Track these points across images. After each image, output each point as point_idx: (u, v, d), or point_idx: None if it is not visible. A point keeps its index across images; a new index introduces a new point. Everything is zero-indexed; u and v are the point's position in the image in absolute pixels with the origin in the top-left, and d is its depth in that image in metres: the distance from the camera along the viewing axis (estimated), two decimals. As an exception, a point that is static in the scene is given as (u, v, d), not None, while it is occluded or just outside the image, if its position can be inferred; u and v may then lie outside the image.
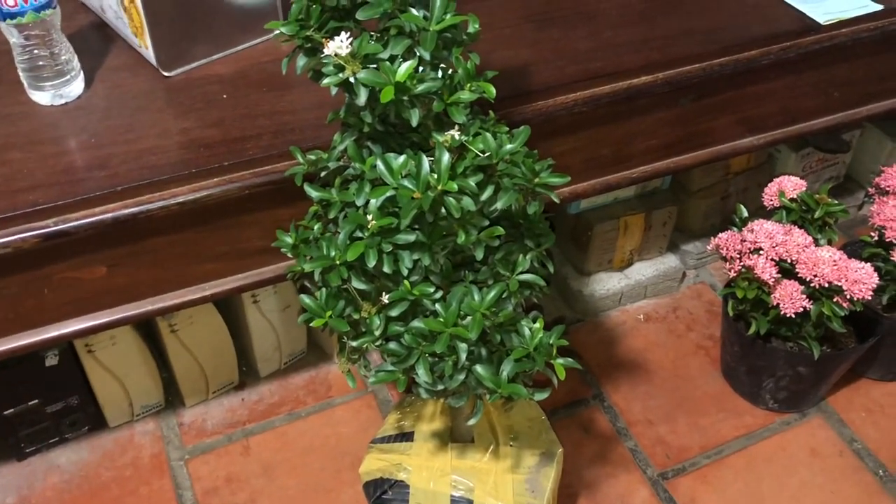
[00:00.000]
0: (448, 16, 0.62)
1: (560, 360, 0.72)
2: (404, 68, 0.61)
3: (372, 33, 0.64)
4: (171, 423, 1.12)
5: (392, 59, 0.62)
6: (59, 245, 0.77)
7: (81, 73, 0.89)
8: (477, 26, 0.67)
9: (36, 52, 0.84)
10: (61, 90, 0.87)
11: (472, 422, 0.75)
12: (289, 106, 0.87)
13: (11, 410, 1.01)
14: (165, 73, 0.91)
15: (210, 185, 0.79)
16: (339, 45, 0.61)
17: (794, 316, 0.98)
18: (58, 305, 0.82)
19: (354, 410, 1.14)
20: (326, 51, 0.61)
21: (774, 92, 1.04)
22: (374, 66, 0.62)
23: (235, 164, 0.80)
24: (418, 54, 0.63)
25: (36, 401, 1.02)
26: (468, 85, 0.65)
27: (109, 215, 0.77)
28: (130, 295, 0.85)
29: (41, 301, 0.81)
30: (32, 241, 0.75)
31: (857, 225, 1.43)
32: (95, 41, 0.96)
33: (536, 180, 0.67)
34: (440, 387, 0.73)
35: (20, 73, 0.86)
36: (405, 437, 0.95)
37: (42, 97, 0.87)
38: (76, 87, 0.88)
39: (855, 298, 0.97)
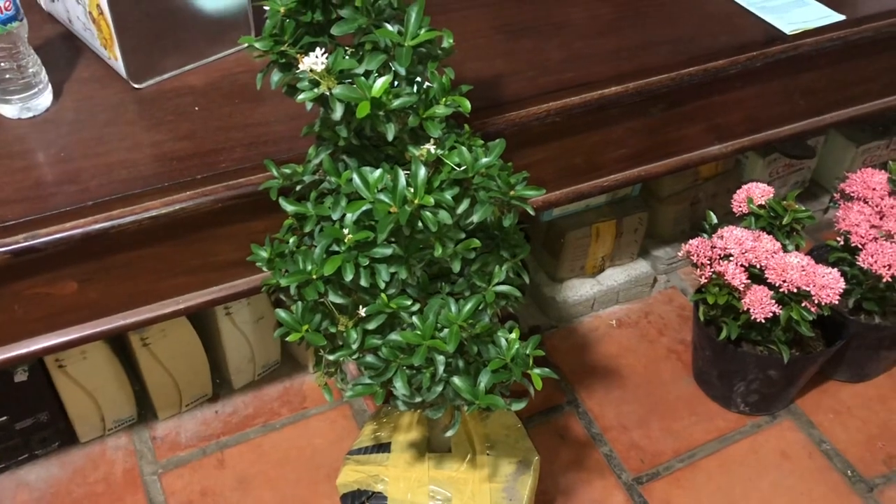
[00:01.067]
0: (423, 31, 0.63)
1: (537, 371, 0.73)
2: (380, 84, 0.61)
3: (347, 48, 0.64)
4: (144, 437, 1.11)
5: (367, 74, 0.62)
6: (28, 261, 0.76)
7: (49, 85, 0.87)
8: (451, 41, 0.67)
9: (2, 65, 0.82)
10: (29, 103, 0.85)
11: (449, 433, 0.76)
12: (262, 118, 0.87)
13: (-21, 428, 1.00)
14: (136, 85, 0.90)
15: (182, 198, 0.79)
16: (315, 61, 0.60)
17: (763, 321, 1.00)
18: (28, 321, 0.81)
19: (330, 421, 1.14)
20: (301, 66, 0.61)
21: (742, 100, 1.06)
22: (350, 81, 0.62)
23: (208, 178, 0.80)
24: (393, 69, 0.63)
25: (4, 417, 1.01)
26: (443, 99, 0.65)
27: (80, 230, 0.76)
28: (102, 310, 0.84)
29: (11, 317, 0.80)
30: (1, 258, 0.74)
31: (822, 229, 1.45)
32: (63, 53, 0.95)
33: (512, 193, 0.67)
34: (418, 399, 0.73)
35: (-14, 86, 0.85)
36: (382, 448, 0.95)
37: (9, 110, 0.85)
38: (44, 99, 0.87)
39: (823, 303, 0.99)
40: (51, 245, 0.75)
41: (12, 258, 0.74)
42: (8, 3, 0.79)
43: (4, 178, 0.79)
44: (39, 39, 0.95)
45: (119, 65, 0.89)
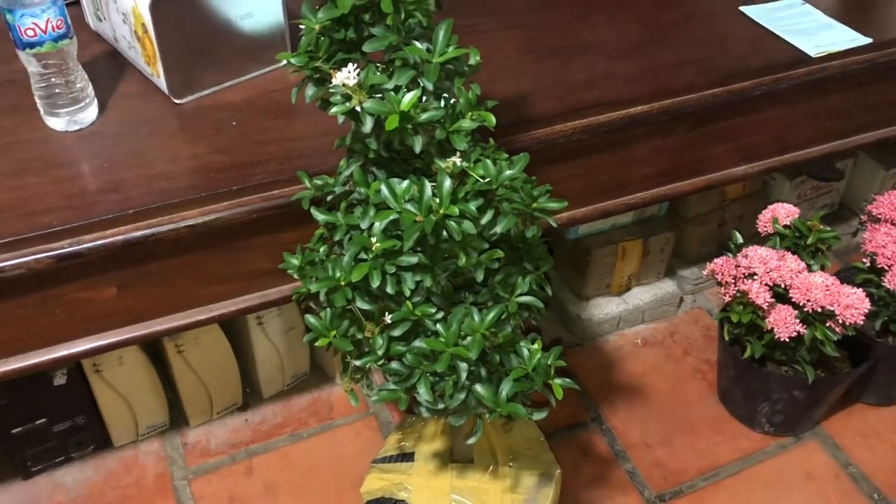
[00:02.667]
0: (450, 49, 0.65)
1: (558, 381, 0.74)
2: (408, 98, 0.64)
3: (378, 64, 0.67)
4: (176, 443, 1.14)
5: (397, 89, 0.65)
6: (71, 266, 0.79)
7: (95, 100, 0.92)
8: (478, 59, 0.70)
9: (53, 80, 0.87)
10: (76, 116, 0.89)
11: (471, 440, 0.77)
12: (296, 133, 0.90)
13: (19, 429, 1.03)
14: (177, 101, 0.94)
15: (219, 208, 0.82)
16: (347, 76, 0.63)
17: (788, 340, 1.00)
18: (68, 325, 0.84)
19: (356, 432, 1.16)
20: (334, 81, 0.64)
21: (768, 121, 1.07)
22: (380, 95, 0.65)
23: (244, 189, 0.83)
24: (422, 85, 0.66)
25: (43, 420, 1.04)
26: (469, 114, 0.67)
27: (121, 237, 0.79)
28: (139, 315, 0.87)
29: (53, 320, 0.83)
30: (46, 262, 0.77)
31: (852, 252, 1.45)
32: (109, 69, 0.99)
33: (535, 205, 0.69)
34: (441, 406, 0.75)
35: (36, 100, 0.89)
36: (406, 457, 0.97)
37: (57, 123, 0.89)
38: (90, 113, 0.91)
39: (847, 323, 0.99)
40: (93, 251, 0.78)
41: (57, 263, 0.77)
42: (60, 22, 0.83)
43: (51, 186, 0.83)
44: (87, 57, 1.00)
45: (161, 81, 0.93)
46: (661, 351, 1.29)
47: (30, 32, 0.82)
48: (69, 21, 0.85)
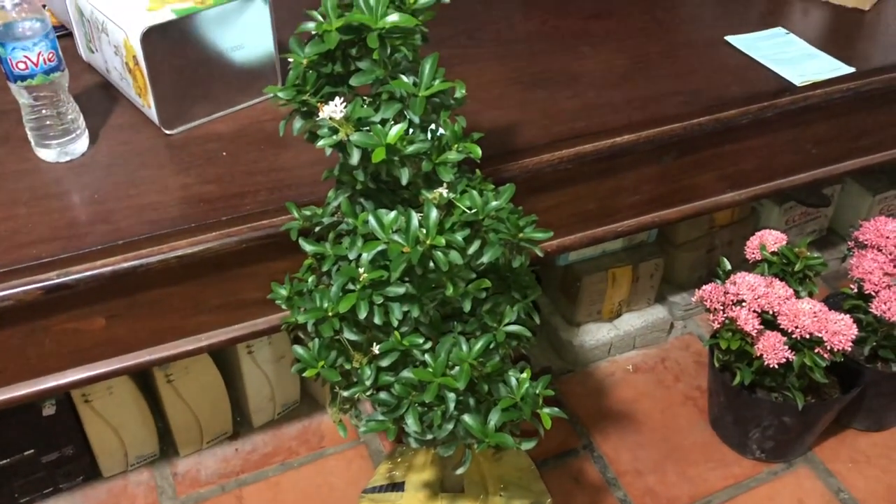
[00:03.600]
0: (436, 82, 0.66)
1: (546, 410, 0.74)
2: (395, 131, 0.64)
3: (365, 98, 0.68)
4: (165, 473, 1.13)
5: (384, 122, 0.66)
6: (60, 297, 0.79)
7: (86, 131, 0.92)
8: (463, 92, 0.71)
9: (44, 111, 0.87)
10: (67, 148, 0.90)
11: (460, 471, 0.77)
12: (285, 163, 0.91)
13: (6, 461, 1.02)
14: (167, 132, 0.94)
15: (208, 238, 0.82)
16: (334, 110, 0.64)
17: (777, 367, 1.01)
18: (57, 356, 0.84)
19: (347, 460, 1.15)
20: (322, 114, 0.65)
21: (754, 149, 1.08)
22: (367, 128, 0.65)
23: (233, 219, 0.83)
24: (408, 117, 0.67)
25: (31, 451, 1.03)
26: (455, 146, 0.68)
27: (110, 268, 0.79)
28: (128, 345, 0.87)
29: (41, 351, 0.83)
30: (35, 294, 0.77)
31: (840, 277, 1.46)
32: (101, 100, 1.00)
33: (521, 235, 0.70)
34: (429, 436, 0.75)
35: (27, 132, 0.90)
36: (396, 486, 0.97)
37: (48, 154, 0.90)
38: (81, 144, 0.91)
39: (835, 349, 0.99)
40: (82, 282, 0.79)
41: (45, 294, 0.78)
42: (51, 55, 0.84)
43: (41, 217, 0.83)
44: (79, 87, 1.00)
45: (152, 112, 0.93)
46: (653, 377, 1.29)
47: (21, 65, 0.83)
48: (61, 54, 0.86)
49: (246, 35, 0.95)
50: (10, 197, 0.86)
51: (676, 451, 1.18)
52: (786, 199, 1.39)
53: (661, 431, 1.21)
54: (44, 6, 1.05)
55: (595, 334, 1.30)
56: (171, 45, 0.90)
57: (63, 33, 1.06)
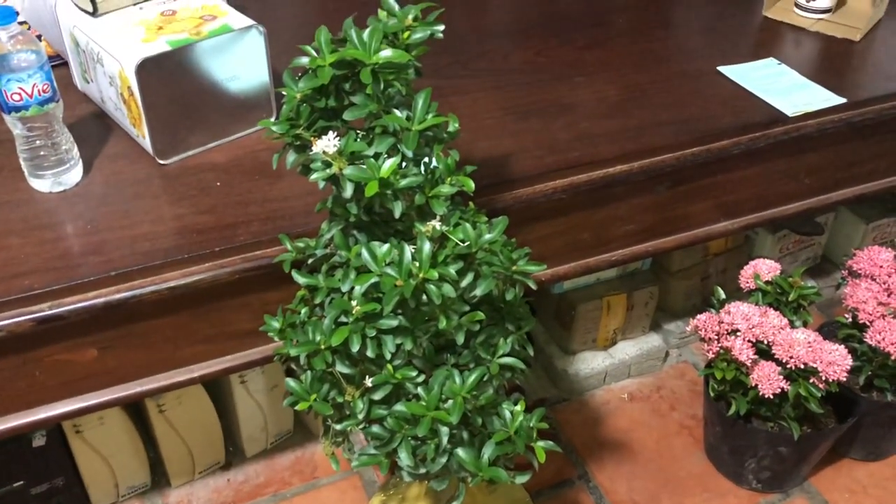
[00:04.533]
0: (430, 116, 0.66)
1: (541, 444, 0.74)
2: (388, 165, 0.65)
3: (358, 132, 0.68)
4: (156, 505, 1.12)
5: (377, 156, 0.66)
6: (52, 329, 0.79)
7: (80, 161, 0.92)
8: (457, 125, 0.71)
9: (38, 142, 0.87)
10: (60, 178, 0.90)
11: (454, 504, 0.77)
12: (279, 194, 0.91)
13: (-4, 492, 1.01)
14: (161, 162, 0.95)
15: (201, 269, 0.82)
16: (327, 144, 0.64)
17: (772, 397, 1.00)
18: (49, 387, 0.84)
19: (340, 491, 1.14)
20: (315, 148, 0.65)
21: (747, 179, 1.08)
22: (360, 162, 0.66)
23: (226, 250, 0.83)
24: (401, 151, 0.67)
25: (21, 482, 1.02)
26: (448, 179, 0.68)
27: (102, 300, 0.79)
28: (120, 377, 0.86)
29: (32, 383, 0.83)
30: (27, 325, 0.77)
31: (835, 305, 1.46)
32: (95, 130, 1.00)
33: (514, 268, 0.70)
34: (423, 470, 0.74)
35: (21, 162, 0.90)
36: (389, 519, 0.96)
37: (42, 185, 0.90)
38: (75, 174, 0.91)
39: (830, 380, 0.99)
40: (73, 313, 0.78)
41: (36, 326, 0.77)
42: (46, 86, 0.85)
43: (33, 248, 0.83)
44: (74, 117, 1.01)
45: (146, 142, 0.93)
46: (648, 406, 1.29)
47: (15, 97, 0.83)
48: (55, 85, 0.86)
49: (241, 66, 0.95)
50: (2, 227, 0.85)
51: (672, 481, 1.17)
52: (779, 228, 1.39)
53: (657, 461, 1.20)
54: (39, 36, 1.06)
55: (590, 363, 1.30)
56: (166, 76, 0.90)
57: (58, 62, 1.06)
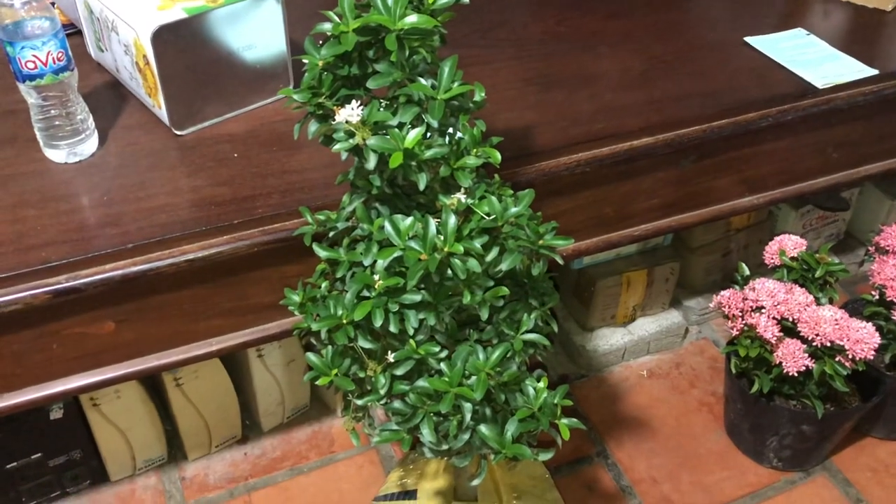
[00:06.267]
0: (455, 85, 0.64)
1: (564, 421, 0.72)
2: (413, 135, 0.63)
3: (382, 101, 0.66)
4: (174, 477, 1.12)
5: (401, 126, 0.64)
6: (69, 301, 0.78)
7: (96, 131, 0.91)
8: (483, 95, 0.69)
9: (53, 112, 0.86)
10: (76, 148, 0.88)
11: (476, 482, 0.76)
12: (298, 165, 0.89)
13: (14, 464, 1.01)
14: (178, 132, 0.93)
15: (219, 242, 0.80)
16: (350, 113, 0.62)
17: (796, 374, 0.99)
18: (65, 360, 0.83)
19: (357, 466, 1.14)
20: (338, 118, 0.63)
21: (774, 153, 1.06)
22: (384, 132, 0.64)
23: (244, 223, 0.82)
24: (426, 121, 0.65)
25: (38, 454, 1.02)
26: (474, 150, 0.66)
27: (119, 272, 0.78)
28: (137, 350, 0.86)
29: (49, 356, 0.82)
30: (43, 298, 0.76)
31: (858, 282, 1.44)
32: (110, 100, 0.98)
33: (541, 242, 0.68)
34: (445, 446, 0.73)
35: (36, 132, 0.88)
36: (408, 494, 0.95)
37: (57, 155, 0.89)
38: (90, 145, 0.90)
39: (857, 358, 0.97)
40: (91, 286, 0.77)
41: (53, 298, 0.76)
42: (60, 54, 0.83)
43: (49, 220, 0.82)
44: (88, 87, 0.99)
45: (162, 112, 0.92)
46: (667, 383, 1.27)
47: (30, 65, 0.81)
48: (70, 53, 0.84)
49: (258, 34, 0.93)
50: (18, 199, 0.84)
51: (692, 458, 1.16)
52: (803, 203, 1.36)
53: (676, 438, 1.19)
54: (52, 4, 1.04)
55: (609, 339, 1.29)
56: (182, 44, 0.88)
57: (72, 31, 1.05)
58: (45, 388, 0.84)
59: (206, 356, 0.89)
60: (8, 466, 1.01)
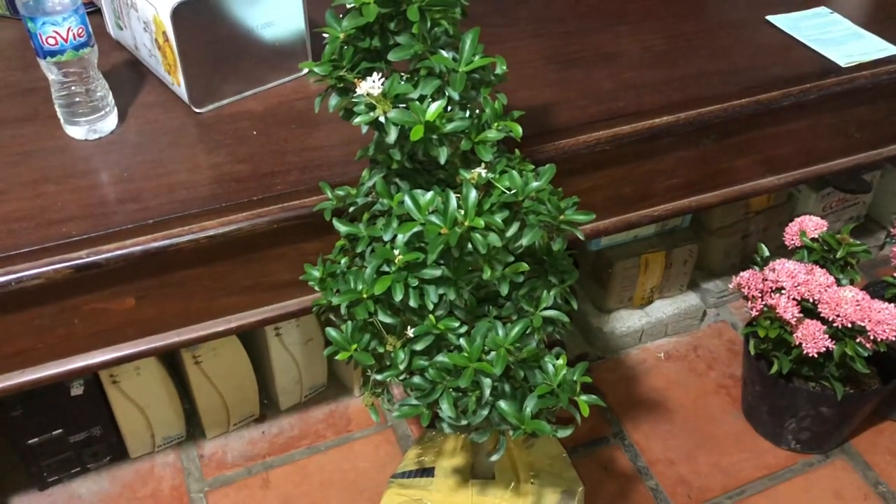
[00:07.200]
0: (477, 57, 0.64)
1: (584, 397, 0.72)
2: (434, 108, 0.62)
3: (402, 74, 0.66)
4: (192, 455, 1.13)
5: (422, 99, 0.63)
6: (90, 276, 0.78)
7: (115, 108, 0.91)
8: (504, 68, 0.68)
9: (73, 88, 0.86)
10: (96, 125, 0.89)
11: (494, 458, 0.76)
12: (317, 142, 0.89)
13: (35, 440, 1.02)
14: (197, 110, 0.93)
15: (239, 219, 0.81)
16: (371, 86, 0.62)
17: (816, 356, 0.98)
18: (86, 336, 0.83)
19: (374, 445, 1.14)
20: (358, 91, 0.63)
21: (795, 133, 1.05)
22: (405, 105, 0.63)
23: (264, 199, 0.82)
24: (447, 94, 0.64)
25: (59, 430, 1.03)
26: (495, 124, 0.66)
27: (140, 248, 0.78)
28: (157, 326, 0.86)
29: (70, 331, 0.82)
30: (65, 272, 0.76)
31: (878, 265, 1.42)
32: (130, 78, 0.99)
33: (561, 217, 0.68)
34: (464, 422, 0.73)
35: (57, 109, 0.89)
36: (425, 472, 0.95)
37: (77, 132, 0.89)
38: (110, 122, 0.90)
39: (878, 339, 0.96)
40: (111, 261, 0.78)
41: (74, 273, 0.76)
42: (81, 30, 0.83)
43: (70, 195, 0.82)
44: (107, 65, 0.99)
45: (182, 90, 0.92)
46: (685, 365, 1.27)
47: (51, 41, 0.82)
48: (90, 29, 0.84)
49: (276, 12, 0.93)
50: (39, 174, 0.84)
51: (709, 440, 1.16)
52: (823, 185, 1.35)
53: (693, 420, 1.18)
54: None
55: (626, 321, 1.28)
56: (202, 21, 0.88)
57: (92, 9, 1.05)
58: (66, 363, 0.84)
59: (225, 333, 0.89)
60: (30, 442, 1.02)
